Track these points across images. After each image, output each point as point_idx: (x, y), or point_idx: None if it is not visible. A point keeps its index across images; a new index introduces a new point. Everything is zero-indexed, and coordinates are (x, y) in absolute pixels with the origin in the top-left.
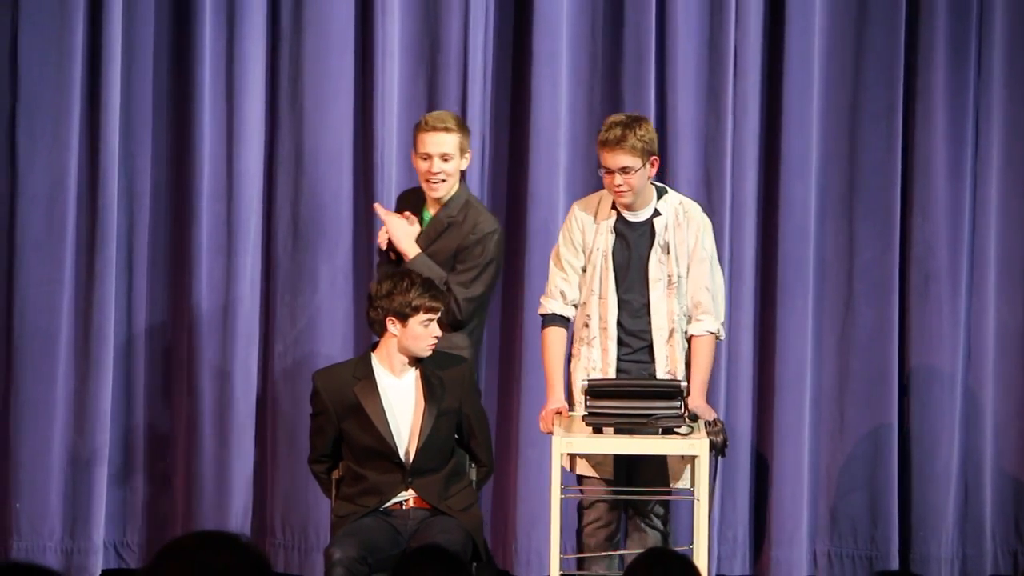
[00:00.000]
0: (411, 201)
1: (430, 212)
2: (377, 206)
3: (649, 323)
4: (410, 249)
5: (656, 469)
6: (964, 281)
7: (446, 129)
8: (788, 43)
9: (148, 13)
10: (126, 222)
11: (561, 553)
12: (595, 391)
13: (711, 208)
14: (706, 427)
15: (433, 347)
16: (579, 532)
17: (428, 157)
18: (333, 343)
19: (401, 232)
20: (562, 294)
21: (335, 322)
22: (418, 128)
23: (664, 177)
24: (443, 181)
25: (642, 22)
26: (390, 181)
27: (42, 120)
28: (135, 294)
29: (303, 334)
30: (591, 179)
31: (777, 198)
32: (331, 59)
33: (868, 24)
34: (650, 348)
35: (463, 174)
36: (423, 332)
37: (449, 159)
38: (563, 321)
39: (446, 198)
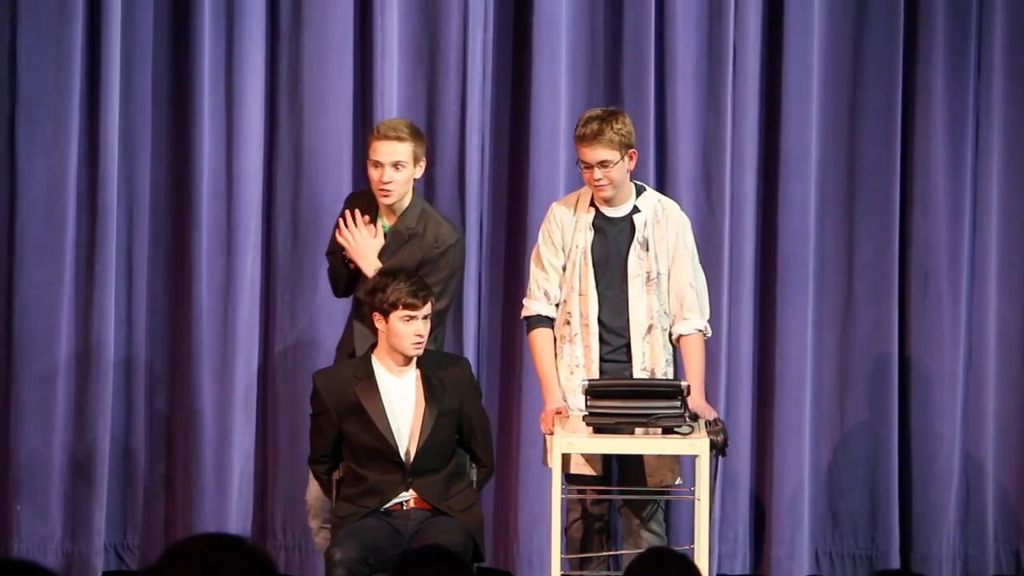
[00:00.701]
0: (362, 205)
1: (386, 222)
2: (349, 219)
3: (628, 319)
4: (370, 266)
5: (636, 468)
6: (965, 279)
7: (398, 138)
8: (787, 42)
9: (147, 14)
10: (126, 224)
11: (562, 553)
12: (596, 391)
13: (710, 207)
14: (706, 426)
15: (419, 346)
16: (569, 527)
17: (379, 165)
18: (333, 344)
19: (364, 250)
20: (546, 294)
21: (335, 323)
22: (371, 135)
23: (663, 176)
24: (394, 190)
25: (642, 22)
26: None
27: (41, 122)
28: (135, 295)
29: (303, 335)
30: None
31: (776, 197)
32: (330, 60)
33: (867, 23)
34: (629, 345)
35: (416, 181)
36: (404, 329)
37: (401, 168)
38: (548, 321)
39: (401, 208)
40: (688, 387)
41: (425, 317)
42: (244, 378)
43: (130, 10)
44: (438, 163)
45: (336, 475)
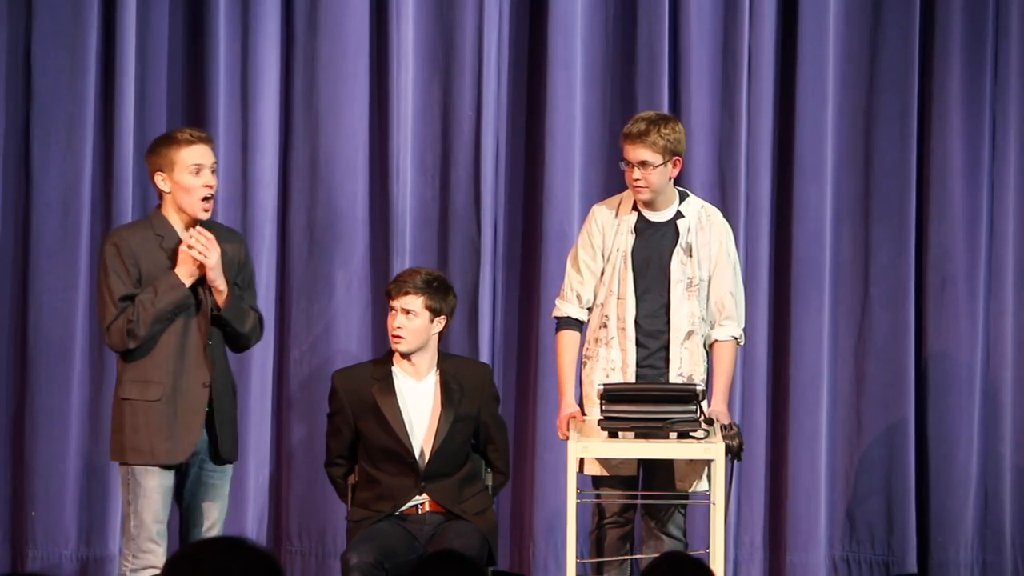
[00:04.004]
0: (154, 234)
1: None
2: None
3: (667, 323)
4: (225, 286)
5: (665, 473)
6: (982, 284)
7: (210, 139)
8: (802, 46)
9: (162, 19)
10: None
11: (578, 557)
12: (611, 395)
13: (726, 211)
14: (722, 431)
15: (396, 340)
16: (593, 531)
17: (202, 169)
18: (349, 349)
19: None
20: (578, 297)
21: (351, 328)
22: (179, 144)
23: (679, 180)
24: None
25: (656, 26)
26: (405, 186)
27: (56, 127)
28: None
29: (319, 340)
30: (606, 182)
31: (792, 201)
32: (346, 64)
33: (882, 27)
34: (666, 349)
35: None
36: (389, 320)
37: (216, 172)
38: (577, 325)
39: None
40: (703, 391)
41: (407, 312)
42: (260, 383)
43: (145, 16)
44: (453, 167)
45: (351, 479)
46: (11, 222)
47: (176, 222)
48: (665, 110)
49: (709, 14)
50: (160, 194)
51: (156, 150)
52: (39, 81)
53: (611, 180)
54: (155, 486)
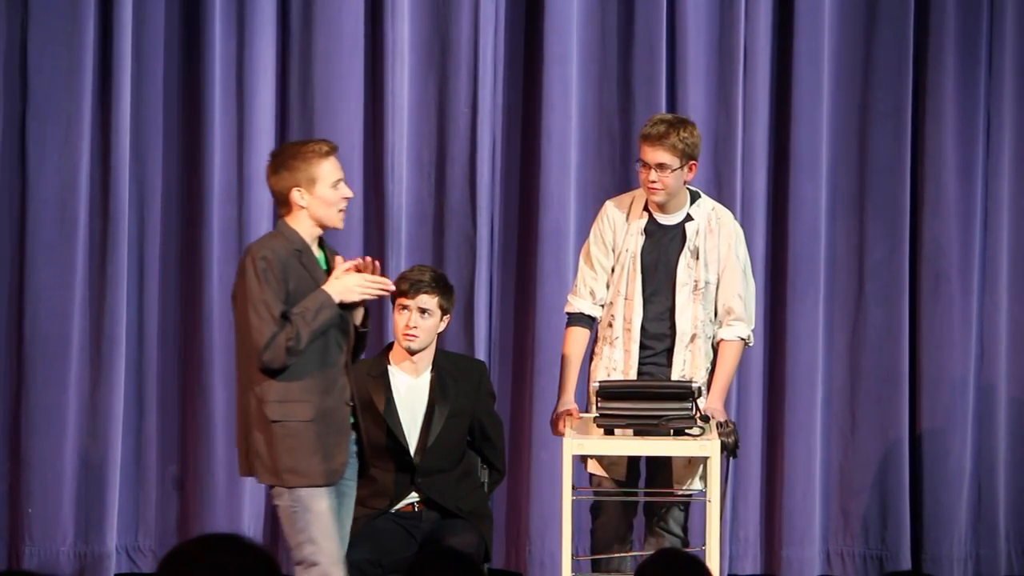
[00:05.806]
0: (294, 249)
1: (320, 252)
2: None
3: (672, 326)
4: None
5: (663, 473)
6: (976, 279)
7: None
8: (797, 42)
9: (158, 16)
10: (137, 225)
11: (573, 555)
12: (607, 392)
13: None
14: (717, 428)
15: (408, 338)
16: (592, 532)
17: (339, 183)
18: None
19: None
20: (591, 293)
21: None
22: (319, 158)
23: None
24: None
25: (653, 22)
26: (401, 183)
27: (52, 124)
28: (146, 298)
29: None
30: (602, 180)
31: (787, 197)
32: (341, 61)
33: (877, 22)
34: (670, 352)
35: None
36: (397, 319)
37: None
38: (589, 321)
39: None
40: (699, 388)
41: (424, 311)
42: None
43: (141, 11)
44: (449, 164)
45: None
46: (7, 219)
47: (307, 235)
48: (662, 106)
49: (705, 10)
50: (292, 208)
51: (292, 165)
52: (35, 78)
53: (607, 177)
54: (325, 508)
